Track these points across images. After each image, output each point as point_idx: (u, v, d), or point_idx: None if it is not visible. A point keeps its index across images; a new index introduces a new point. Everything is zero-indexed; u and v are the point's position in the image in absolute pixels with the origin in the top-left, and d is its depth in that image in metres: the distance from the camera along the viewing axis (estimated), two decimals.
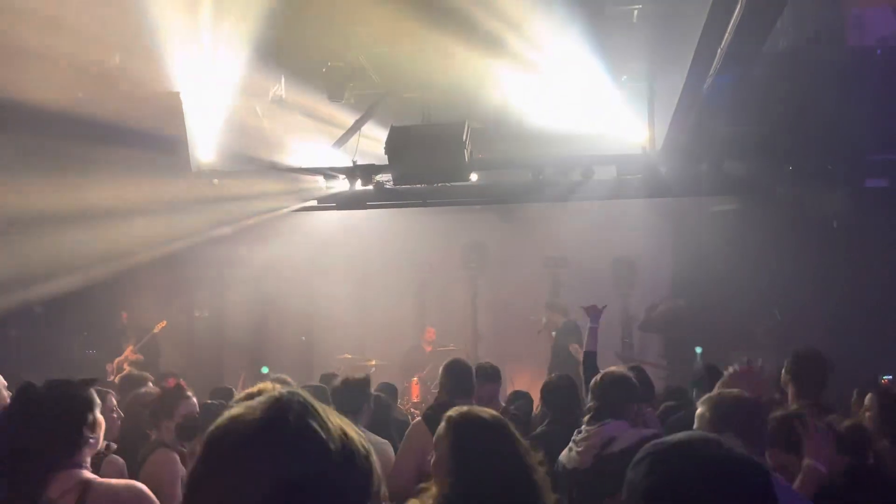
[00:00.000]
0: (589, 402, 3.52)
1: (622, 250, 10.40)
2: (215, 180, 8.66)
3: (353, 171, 8.43)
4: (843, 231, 8.05)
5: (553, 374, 4.65)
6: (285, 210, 9.09)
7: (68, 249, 7.81)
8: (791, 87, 7.30)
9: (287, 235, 10.10)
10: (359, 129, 8.74)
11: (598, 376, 3.56)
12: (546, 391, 4.42)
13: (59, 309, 9.33)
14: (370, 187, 8.47)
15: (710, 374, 4.01)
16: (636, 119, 7.95)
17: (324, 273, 10.81)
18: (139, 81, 7.85)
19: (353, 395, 4.02)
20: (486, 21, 6.91)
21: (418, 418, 4.14)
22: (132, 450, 3.49)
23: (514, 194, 8.89)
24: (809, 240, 8.07)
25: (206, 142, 8.39)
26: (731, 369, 3.23)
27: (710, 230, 9.18)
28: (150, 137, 7.78)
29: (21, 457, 2.28)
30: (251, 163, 8.80)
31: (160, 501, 2.46)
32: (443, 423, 2.55)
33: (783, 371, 4.06)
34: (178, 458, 3.35)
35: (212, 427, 1.07)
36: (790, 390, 3.97)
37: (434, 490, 2.43)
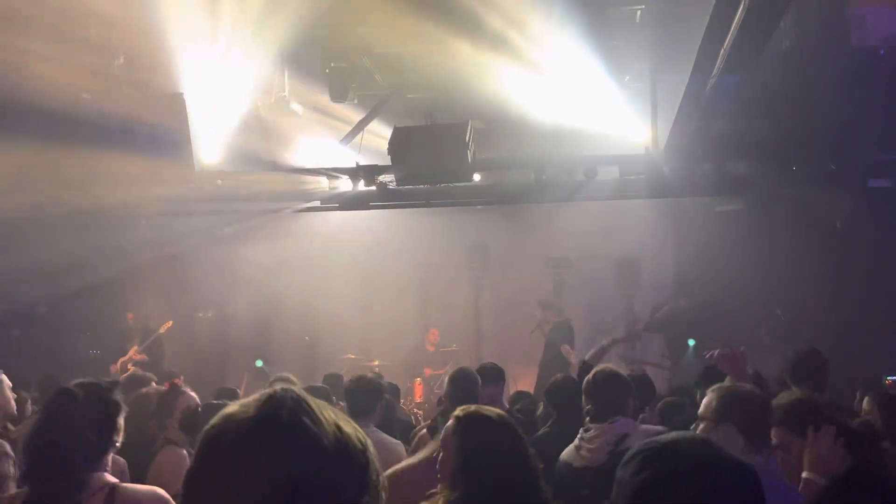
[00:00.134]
0: (585, 402, 3.55)
1: (625, 251, 10.39)
2: (219, 181, 8.68)
3: (356, 172, 8.43)
4: (846, 231, 8.03)
5: (559, 375, 4.63)
6: (289, 210, 9.12)
7: (72, 249, 7.83)
8: (794, 88, 7.30)
9: (290, 236, 10.11)
10: (362, 129, 8.76)
11: (589, 375, 3.62)
12: (550, 391, 4.42)
13: (63, 309, 9.34)
14: (373, 188, 8.48)
15: (710, 375, 4.03)
16: (639, 119, 7.94)
17: (327, 273, 10.81)
18: (143, 82, 7.87)
19: (367, 394, 4.00)
20: (489, 22, 6.93)
21: (423, 431, 4.12)
22: (134, 450, 3.50)
23: (517, 194, 8.88)
24: (812, 240, 8.06)
25: (209, 142, 8.40)
26: (713, 353, 3.29)
27: (713, 230, 9.16)
28: (154, 138, 7.82)
29: (61, 460, 2.30)
30: (255, 163, 8.81)
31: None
32: (450, 422, 2.56)
33: (784, 371, 4.06)
34: (186, 454, 3.37)
35: (207, 426, 1.08)
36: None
37: (443, 496, 2.44)
